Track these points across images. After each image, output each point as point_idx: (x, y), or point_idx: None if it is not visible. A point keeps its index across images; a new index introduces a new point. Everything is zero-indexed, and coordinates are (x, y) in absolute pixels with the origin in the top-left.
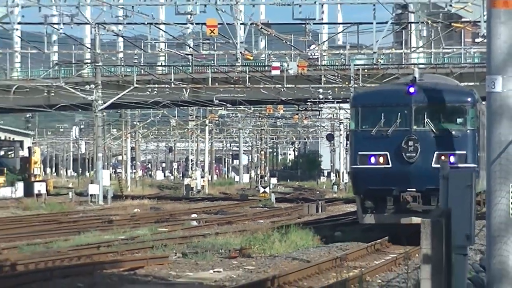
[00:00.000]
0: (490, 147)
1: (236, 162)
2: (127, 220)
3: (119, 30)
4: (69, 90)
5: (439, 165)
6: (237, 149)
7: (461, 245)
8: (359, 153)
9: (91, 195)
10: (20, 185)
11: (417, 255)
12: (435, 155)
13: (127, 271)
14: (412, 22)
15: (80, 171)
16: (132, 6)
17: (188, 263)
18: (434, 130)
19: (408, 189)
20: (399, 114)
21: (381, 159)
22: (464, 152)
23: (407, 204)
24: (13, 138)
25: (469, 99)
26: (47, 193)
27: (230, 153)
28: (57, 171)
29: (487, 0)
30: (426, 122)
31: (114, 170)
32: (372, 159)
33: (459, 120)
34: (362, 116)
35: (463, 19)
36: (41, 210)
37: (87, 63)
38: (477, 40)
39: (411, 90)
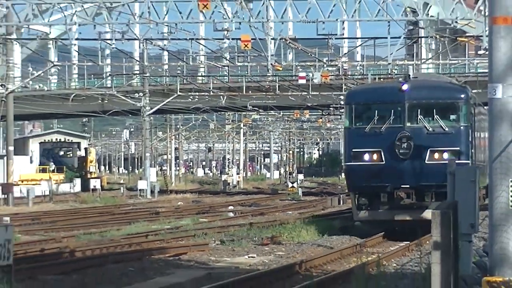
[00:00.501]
0: (492, 147)
1: (267, 160)
2: (172, 211)
3: (164, 44)
4: (121, 98)
5: (432, 162)
6: (268, 149)
7: (467, 233)
8: (353, 150)
9: (140, 190)
10: (77, 181)
11: (427, 242)
12: (428, 151)
13: (172, 257)
14: (422, 37)
15: (130, 169)
16: (176, 24)
17: (225, 249)
18: (427, 127)
19: (402, 186)
20: (392, 111)
21: (374, 156)
22: (458, 148)
23: (401, 200)
24: (71, 140)
25: (462, 96)
26: (102, 188)
27: (262, 152)
28: (110, 169)
29: (488, 18)
30: (419, 119)
31: (160, 167)
32: (366, 156)
33: (452, 117)
34: (356, 113)
35: (467, 34)
36: (96, 203)
37: (136, 74)
38: (479, 52)
39: (404, 87)
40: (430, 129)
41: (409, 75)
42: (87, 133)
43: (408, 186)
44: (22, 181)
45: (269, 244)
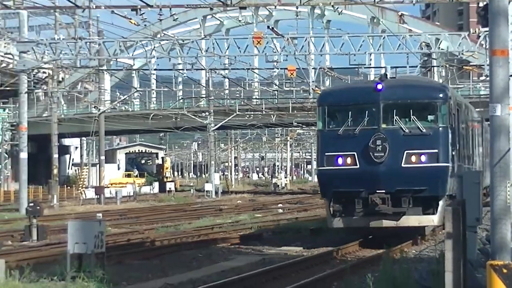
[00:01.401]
0: (493, 155)
1: (309, 166)
2: (232, 208)
3: (226, 73)
4: (190, 117)
5: (409, 165)
6: (310, 157)
7: (472, 225)
8: (326, 154)
9: (206, 191)
10: (156, 184)
11: (441, 232)
12: (404, 154)
13: (233, 245)
14: (435, 66)
15: (198, 174)
16: (235, 56)
17: (276, 239)
18: (404, 128)
19: (377, 191)
20: (367, 112)
21: (348, 160)
22: (436, 150)
23: (376, 206)
24: (151, 151)
25: (440, 95)
26: (175, 189)
27: (305, 160)
28: (182, 174)
29: (489, 50)
30: (395, 120)
31: (222, 173)
32: (340, 160)
33: (430, 117)
34: (329, 115)
35: (471, 63)
36: (171, 202)
37: (203, 97)
38: (481, 78)
39: (379, 87)
40: (407, 131)
41: (386, 74)
42: (163, 145)
43: (383, 191)
44: (112, 184)
45: (311, 235)
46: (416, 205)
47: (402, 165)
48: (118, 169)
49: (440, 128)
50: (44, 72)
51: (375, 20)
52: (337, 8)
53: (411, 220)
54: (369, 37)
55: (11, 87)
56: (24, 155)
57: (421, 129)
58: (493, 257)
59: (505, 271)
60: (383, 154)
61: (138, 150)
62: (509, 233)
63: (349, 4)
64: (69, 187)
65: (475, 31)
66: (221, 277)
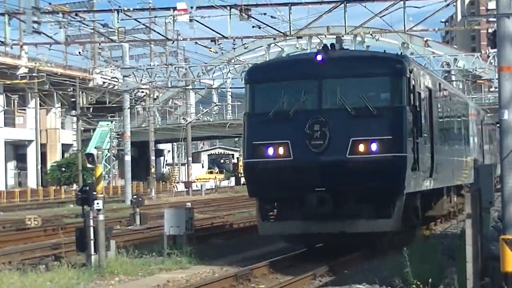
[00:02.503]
0: (503, 151)
1: None
2: None
3: None
4: None
5: (356, 156)
6: None
7: (487, 207)
8: (254, 143)
9: None
10: (232, 179)
11: (463, 212)
12: (350, 142)
13: None
14: (453, 80)
15: None
16: None
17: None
18: (350, 110)
19: (316, 189)
20: (304, 90)
21: (280, 150)
22: (390, 137)
23: (314, 208)
24: (228, 153)
25: (396, 67)
26: None
27: None
28: None
29: (497, 67)
30: (339, 99)
31: None
32: (270, 151)
33: (383, 95)
34: (257, 95)
35: (483, 78)
36: (245, 193)
37: None
38: (491, 89)
39: (319, 58)
40: (353, 112)
41: (333, 44)
42: (238, 147)
43: (323, 188)
44: (197, 180)
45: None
46: (366, 206)
47: (347, 155)
48: (202, 167)
49: (396, 109)
50: (142, 92)
51: (405, 45)
52: (375, 36)
53: (360, 225)
54: None
55: (117, 104)
56: (128, 157)
57: (372, 110)
58: (504, 232)
59: None
60: (322, 142)
61: (218, 152)
62: None
63: (384, 32)
64: (163, 182)
65: (486, 52)
66: (281, 252)
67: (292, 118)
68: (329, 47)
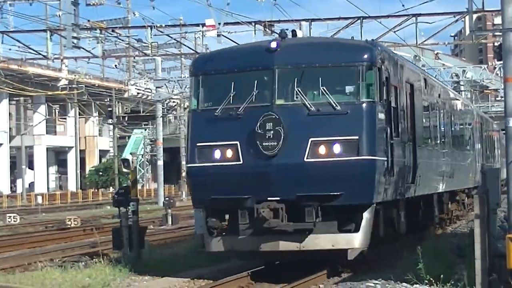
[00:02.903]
0: (508, 156)
1: None
2: None
3: None
4: None
5: (315, 159)
6: None
7: (494, 208)
8: (198, 144)
9: None
10: None
11: (472, 212)
12: (309, 143)
13: None
14: (462, 90)
15: None
16: None
17: None
18: (309, 105)
19: (268, 198)
20: (256, 82)
21: (228, 153)
22: (356, 137)
23: (265, 221)
24: None
25: (364, 56)
26: None
27: None
28: None
29: (503, 77)
30: (297, 93)
31: None
32: (217, 154)
33: (348, 89)
34: (204, 88)
35: (489, 88)
36: None
37: None
38: (497, 99)
39: (273, 45)
40: (313, 109)
41: (295, 30)
42: None
43: (277, 198)
44: None
45: None
46: (328, 218)
47: (306, 159)
48: None
49: (364, 104)
50: (174, 101)
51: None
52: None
53: (322, 241)
54: None
55: (150, 113)
56: (160, 162)
57: (335, 105)
58: (510, 231)
59: None
60: (275, 143)
61: None
62: None
63: (398, 46)
64: None
65: (492, 64)
66: None
67: (242, 115)
68: (291, 34)
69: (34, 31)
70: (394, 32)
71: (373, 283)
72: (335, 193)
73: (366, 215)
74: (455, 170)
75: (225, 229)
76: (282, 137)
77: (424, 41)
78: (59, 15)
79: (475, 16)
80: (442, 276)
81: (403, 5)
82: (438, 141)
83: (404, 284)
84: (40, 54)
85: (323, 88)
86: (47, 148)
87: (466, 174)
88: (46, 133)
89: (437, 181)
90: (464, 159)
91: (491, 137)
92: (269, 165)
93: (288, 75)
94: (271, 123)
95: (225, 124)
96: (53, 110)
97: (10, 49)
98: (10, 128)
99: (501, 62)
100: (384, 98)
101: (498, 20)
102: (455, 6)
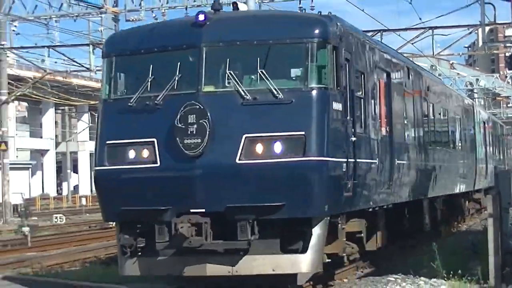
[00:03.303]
0: None
1: None
2: None
3: None
4: None
5: (250, 161)
6: None
7: (506, 207)
8: (108, 142)
9: None
10: None
11: (485, 211)
12: (243, 140)
13: None
14: (475, 98)
15: None
16: None
17: None
18: (243, 93)
19: (191, 210)
20: (179, 64)
21: (144, 153)
22: (302, 133)
23: (186, 239)
24: None
25: (316, 31)
26: None
27: None
28: None
29: None
30: (229, 77)
31: None
32: (131, 153)
33: (294, 72)
34: (117, 73)
35: (501, 95)
36: None
37: None
38: (509, 105)
39: (201, 18)
40: (249, 97)
41: (236, 3)
42: None
43: (202, 210)
44: None
45: None
46: (268, 235)
47: (238, 160)
48: None
49: (314, 92)
50: None
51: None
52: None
53: (260, 264)
54: None
55: None
56: None
57: (276, 93)
58: None
59: None
60: (199, 140)
61: None
62: None
63: (415, 56)
64: None
65: (504, 73)
66: None
67: (161, 106)
68: (232, 7)
69: (78, 45)
70: (412, 44)
71: (394, 277)
72: (276, 204)
73: (316, 230)
74: (449, 172)
75: (142, 248)
76: (207, 133)
77: (440, 52)
78: (101, 30)
79: (487, 28)
80: (459, 271)
81: (420, 18)
82: (427, 140)
83: (422, 278)
84: (83, 66)
85: (261, 71)
86: (89, 153)
87: (462, 176)
88: (89, 140)
89: (425, 185)
90: (458, 158)
91: (502, 140)
92: (192, 168)
93: (219, 55)
94: (194, 115)
95: (141, 116)
96: (96, 119)
97: (56, 62)
98: (56, 135)
99: None
100: (342, 85)
101: (509, 32)
102: (469, 19)
